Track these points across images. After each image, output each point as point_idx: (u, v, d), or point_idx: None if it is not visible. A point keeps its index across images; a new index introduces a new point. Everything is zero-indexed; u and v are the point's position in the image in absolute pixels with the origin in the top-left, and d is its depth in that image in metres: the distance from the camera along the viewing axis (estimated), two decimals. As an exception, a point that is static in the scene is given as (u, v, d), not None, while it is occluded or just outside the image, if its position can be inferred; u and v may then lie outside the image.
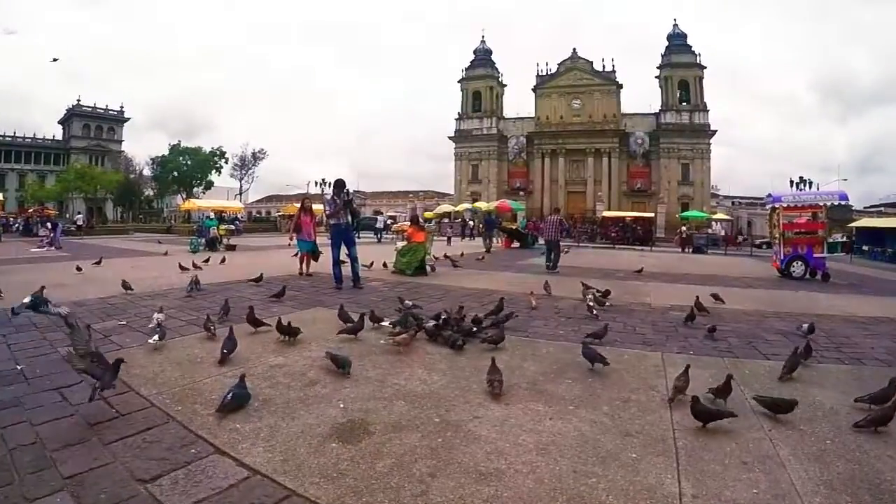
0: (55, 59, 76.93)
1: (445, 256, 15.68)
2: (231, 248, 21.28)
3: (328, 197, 9.83)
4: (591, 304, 7.68)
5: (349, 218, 9.68)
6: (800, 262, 15.11)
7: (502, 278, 11.70)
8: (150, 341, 5.19)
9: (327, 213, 9.77)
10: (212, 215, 28.80)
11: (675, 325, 7.03)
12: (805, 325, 6.67)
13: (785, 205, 15.58)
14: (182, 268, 11.23)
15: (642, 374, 4.73)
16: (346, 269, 9.90)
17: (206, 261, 11.93)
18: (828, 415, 3.86)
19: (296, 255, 11.91)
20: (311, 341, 5.54)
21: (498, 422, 3.53)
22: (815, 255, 15.08)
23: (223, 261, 14.19)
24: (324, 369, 4.56)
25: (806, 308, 9.26)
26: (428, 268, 12.42)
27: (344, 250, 9.74)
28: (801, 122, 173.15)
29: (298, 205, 10.96)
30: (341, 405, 3.76)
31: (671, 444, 3.27)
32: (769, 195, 17.24)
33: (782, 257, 15.33)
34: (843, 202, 16.03)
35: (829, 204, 15.77)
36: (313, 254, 10.93)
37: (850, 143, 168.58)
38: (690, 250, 32.30)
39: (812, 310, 9.12)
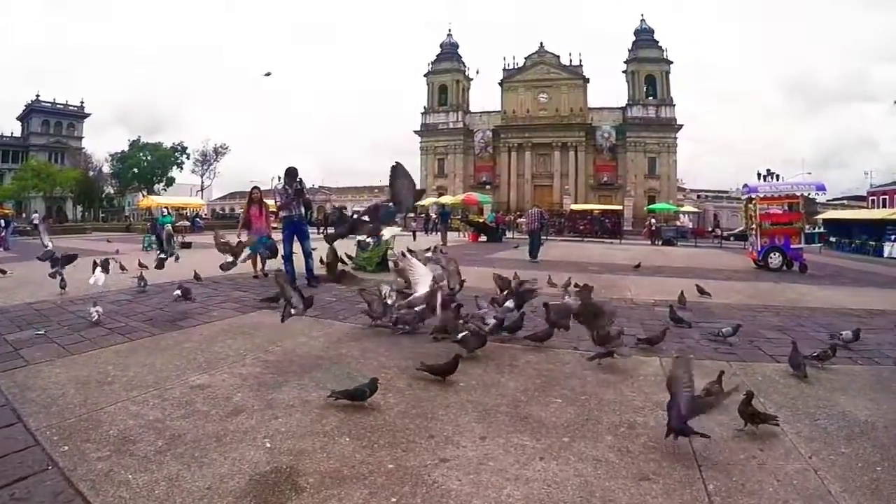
0: (268, 74, 68.15)
1: (409, 251, 14.74)
2: (186, 245, 20.09)
3: (279, 187, 8.88)
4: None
5: (302, 210, 8.75)
6: (777, 254, 14.64)
7: (472, 273, 10.87)
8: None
9: (278, 204, 8.82)
10: (165, 212, 27.45)
11: (666, 322, 6.29)
12: (846, 333, 5.48)
13: (761, 195, 15.08)
14: (122, 268, 10.13)
15: (643, 385, 3.96)
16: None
17: (169, 256, 10.64)
18: (865, 430, 3.27)
19: (249, 256, 10.62)
20: (246, 354, 4.63)
21: (472, 466, 2.67)
22: (791, 246, 14.66)
23: (177, 259, 13.02)
24: (254, 390, 3.68)
25: (795, 301, 8.76)
26: (391, 263, 11.51)
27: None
28: (765, 118, 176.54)
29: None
30: (268, 444, 2.88)
31: (701, 491, 2.47)
32: (745, 185, 16.78)
33: (759, 248, 14.85)
34: (819, 193, 15.68)
35: (806, 194, 15.41)
36: (268, 251, 9.74)
37: (813, 139, 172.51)
38: (660, 243, 31.96)
39: (801, 302, 8.63)
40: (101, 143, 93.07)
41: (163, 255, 8.70)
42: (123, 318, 6.04)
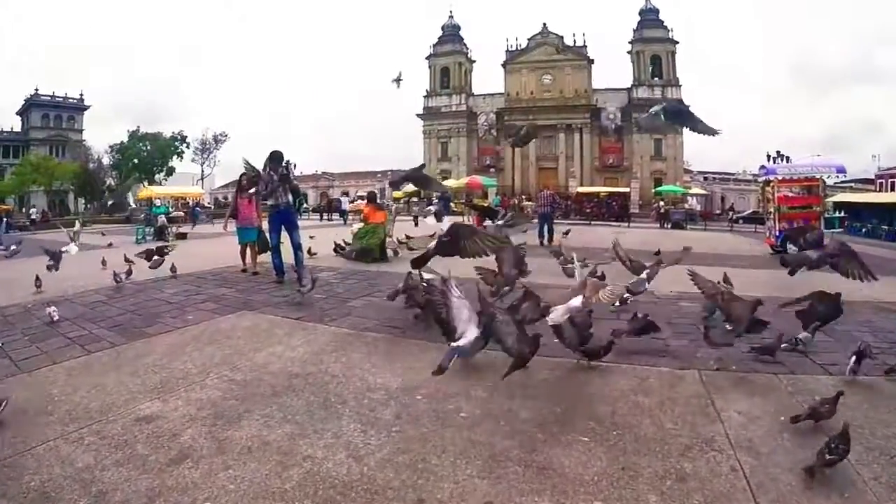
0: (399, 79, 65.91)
1: (407, 237, 13.98)
2: (182, 236, 19.40)
3: (263, 173, 8.14)
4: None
5: (289, 197, 8.02)
6: None
7: (478, 262, 10.18)
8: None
9: (262, 192, 8.10)
10: (159, 202, 26.70)
11: (695, 321, 5.58)
12: (805, 334, 4.66)
13: (780, 177, 14.27)
14: (103, 263, 9.46)
15: (684, 412, 3.24)
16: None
17: (163, 249, 9.83)
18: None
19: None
20: (210, 370, 3.93)
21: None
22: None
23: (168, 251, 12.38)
24: (207, 425, 2.99)
25: None
26: (389, 252, 10.84)
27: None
28: (771, 100, 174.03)
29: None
30: (208, 511, 2.18)
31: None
32: (762, 167, 15.93)
33: (777, 233, 14.06)
34: (840, 175, 14.86)
35: (825, 177, 14.57)
36: (259, 243, 9.02)
37: (819, 121, 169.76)
38: (669, 226, 31.16)
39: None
40: (103, 134, 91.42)
41: (162, 250, 8.22)
42: (88, 325, 5.37)
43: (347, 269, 9.17)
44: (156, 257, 8.35)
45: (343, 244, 11.66)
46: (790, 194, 14.48)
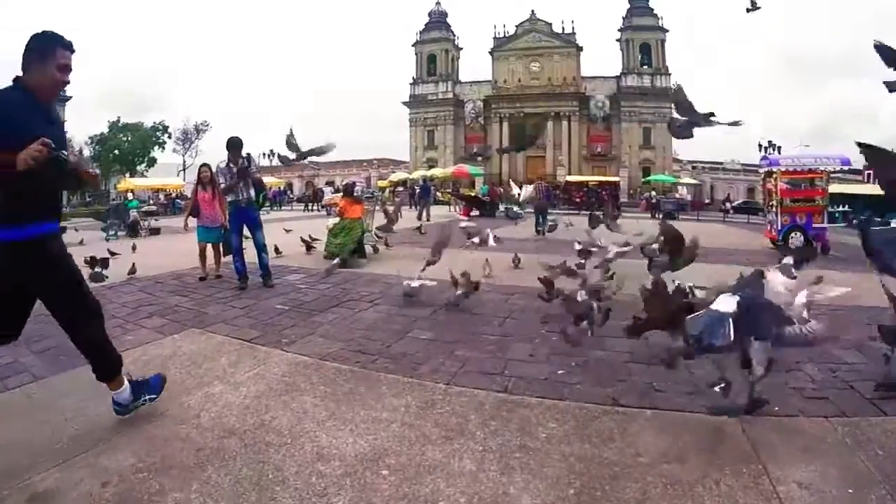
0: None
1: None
2: (155, 231, 18.44)
3: (221, 165, 7.22)
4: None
5: (251, 192, 7.13)
6: (798, 233, 13.22)
7: (467, 258, 9.33)
8: None
9: (222, 186, 7.21)
10: (131, 196, 25.53)
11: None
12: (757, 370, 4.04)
13: (783, 169, 13.54)
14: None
15: (734, 488, 2.43)
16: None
17: (107, 260, 8.95)
18: None
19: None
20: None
21: None
22: (814, 225, 13.24)
23: (134, 248, 11.42)
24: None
25: (851, 298, 7.25)
26: (369, 248, 10.00)
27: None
28: (760, 89, 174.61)
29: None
30: None
31: None
32: (764, 158, 15.29)
33: (779, 227, 13.39)
34: (844, 167, 14.19)
35: (829, 169, 13.89)
36: (224, 243, 8.01)
37: (807, 111, 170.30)
38: (660, 216, 30.47)
39: (849, 298, 7.11)
40: (86, 125, 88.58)
41: (107, 261, 7.32)
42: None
43: (320, 270, 8.29)
44: (97, 269, 7.37)
45: (310, 239, 10.81)
46: (787, 187, 13.85)
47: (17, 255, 2.65)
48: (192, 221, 7.96)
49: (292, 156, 7.42)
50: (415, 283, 6.14)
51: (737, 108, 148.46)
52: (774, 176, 13.66)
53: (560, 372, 3.85)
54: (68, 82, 2.83)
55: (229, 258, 7.51)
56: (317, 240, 10.85)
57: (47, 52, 2.71)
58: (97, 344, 2.98)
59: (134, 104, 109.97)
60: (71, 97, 74.97)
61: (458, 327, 4.96)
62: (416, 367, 3.87)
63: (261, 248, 7.27)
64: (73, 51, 2.81)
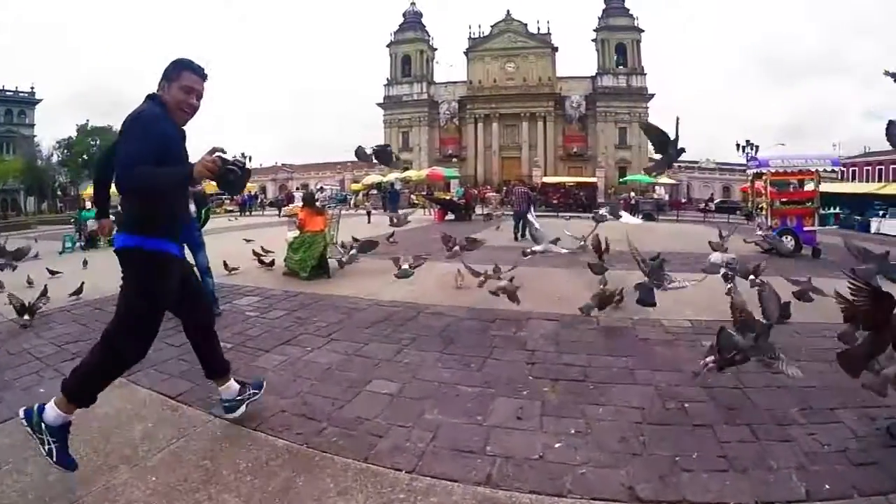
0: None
1: (354, 240, 12.01)
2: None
3: None
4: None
5: (191, 207, 6.18)
6: (789, 237, 12.70)
7: (444, 273, 8.50)
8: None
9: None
10: (88, 205, 24.08)
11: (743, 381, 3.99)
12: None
13: (773, 170, 12.97)
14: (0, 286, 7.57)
15: None
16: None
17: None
18: None
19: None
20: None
21: None
22: (804, 228, 12.75)
23: (85, 264, 10.36)
24: None
25: None
26: (333, 263, 9.08)
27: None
28: (733, 88, 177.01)
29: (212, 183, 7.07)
30: None
31: None
32: (753, 158, 14.75)
33: (770, 230, 12.82)
34: (835, 167, 13.71)
35: (820, 170, 13.40)
36: None
37: (779, 109, 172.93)
38: (640, 217, 29.91)
39: None
40: (58, 129, 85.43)
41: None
42: None
43: (278, 291, 7.36)
44: (24, 318, 6.13)
45: (262, 251, 9.87)
46: (775, 189, 13.33)
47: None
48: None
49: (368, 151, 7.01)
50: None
51: (712, 105, 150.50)
52: (764, 177, 13.08)
53: (557, 445, 2.99)
54: (197, 107, 2.98)
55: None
56: (270, 252, 9.90)
57: (172, 76, 2.88)
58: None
59: (106, 105, 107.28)
60: (41, 100, 73.28)
61: (428, 374, 4.07)
62: (374, 443, 2.99)
63: (204, 271, 6.31)
64: (204, 77, 2.98)
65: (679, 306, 6.43)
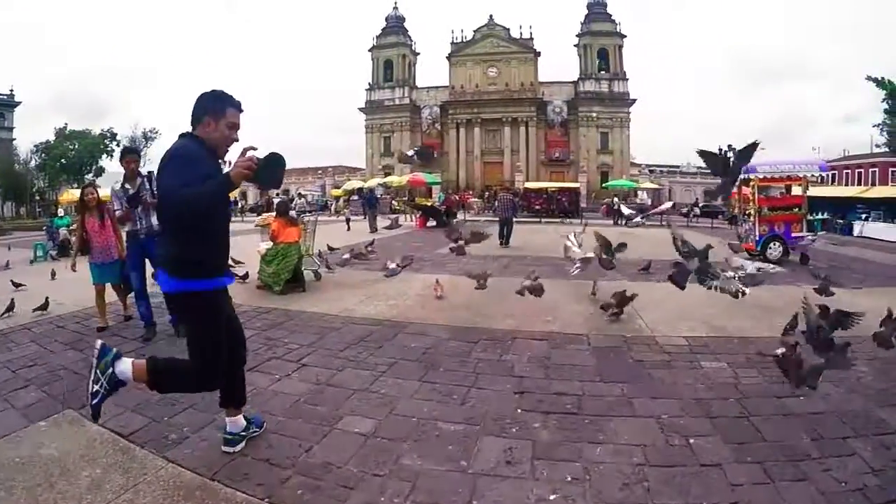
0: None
1: (330, 249, 11.55)
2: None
3: (116, 187, 5.79)
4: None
5: (153, 220, 5.73)
6: (777, 243, 12.63)
7: (426, 285, 8.15)
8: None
9: (116, 214, 5.81)
10: (62, 212, 23.39)
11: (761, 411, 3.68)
12: None
13: (760, 175, 12.78)
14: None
15: None
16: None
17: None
18: None
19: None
20: None
21: None
22: (792, 235, 12.68)
23: (53, 275, 9.82)
24: None
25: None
26: (310, 275, 8.69)
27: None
28: (712, 93, 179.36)
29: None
30: None
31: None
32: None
33: (757, 237, 12.73)
34: (823, 173, 13.60)
35: (808, 175, 13.29)
36: (124, 281, 6.38)
37: (757, 114, 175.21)
38: (624, 223, 29.69)
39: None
40: (38, 133, 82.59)
41: None
42: None
43: (247, 308, 6.88)
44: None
45: (233, 262, 9.41)
46: (763, 196, 13.16)
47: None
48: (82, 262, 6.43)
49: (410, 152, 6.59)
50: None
51: (692, 110, 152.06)
52: (752, 183, 12.89)
53: (553, 497, 2.63)
54: (237, 140, 2.94)
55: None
56: (239, 262, 9.45)
57: (219, 113, 2.84)
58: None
59: (85, 109, 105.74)
60: (20, 102, 71.64)
61: (407, 407, 3.68)
62: (344, 498, 2.61)
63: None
64: (241, 110, 2.95)
65: (673, 321, 6.14)
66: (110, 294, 6.39)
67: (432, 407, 3.68)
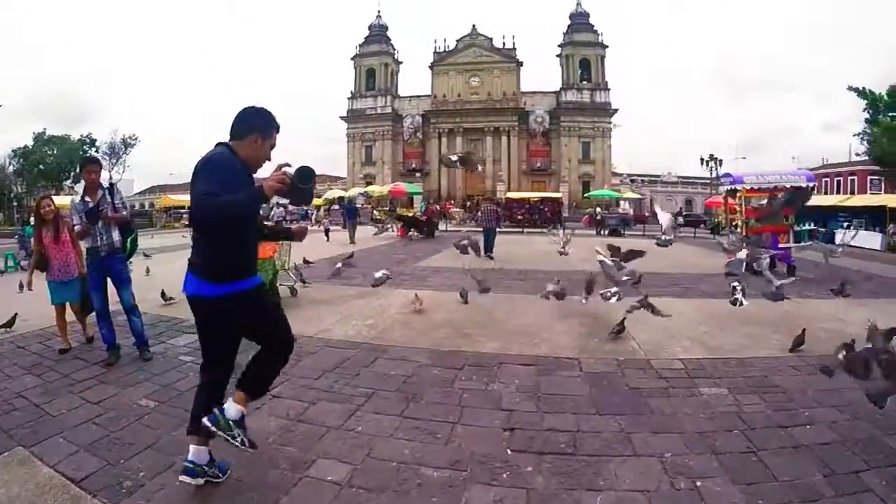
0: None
1: (306, 262, 11.33)
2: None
3: (76, 200, 5.38)
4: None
5: (114, 236, 5.34)
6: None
7: (405, 302, 7.83)
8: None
9: (75, 229, 5.40)
10: (33, 220, 22.50)
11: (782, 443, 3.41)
12: None
13: (748, 187, 12.70)
14: None
15: None
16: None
17: None
18: None
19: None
20: None
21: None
22: (780, 245, 12.48)
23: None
24: None
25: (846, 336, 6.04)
26: (286, 291, 8.35)
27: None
28: (695, 103, 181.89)
29: (176, 196, 6.12)
30: None
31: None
32: (727, 174, 14.44)
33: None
34: (810, 183, 13.50)
35: (795, 186, 13.20)
36: (83, 300, 5.88)
37: (738, 124, 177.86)
38: (606, 233, 29.66)
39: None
40: (17, 138, 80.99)
41: None
42: None
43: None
44: None
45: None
46: (747, 207, 13.07)
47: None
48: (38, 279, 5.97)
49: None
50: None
51: (673, 119, 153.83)
52: (739, 194, 12.78)
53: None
54: (270, 160, 3.03)
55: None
56: None
57: (267, 133, 2.94)
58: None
59: (65, 113, 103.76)
60: (1, 105, 70.35)
61: (386, 448, 3.32)
62: None
63: (130, 310, 5.42)
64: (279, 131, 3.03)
65: (667, 341, 5.87)
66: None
67: (414, 448, 3.33)
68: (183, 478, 2.84)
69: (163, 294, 7.87)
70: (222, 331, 2.97)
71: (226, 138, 2.91)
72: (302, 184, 2.67)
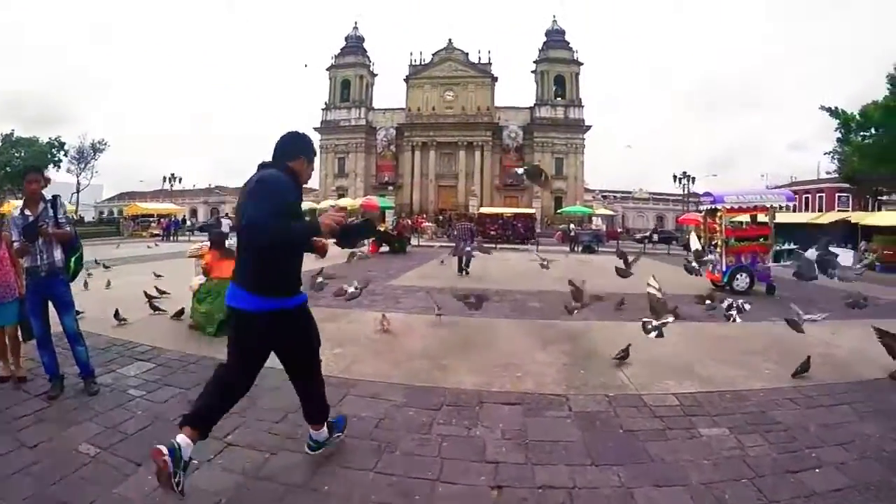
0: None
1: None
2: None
3: (15, 213, 4.86)
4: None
5: (57, 255, 4.79)
6: (744, 274, 12.44)
7: (373, 326, 7.38)
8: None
9: (14, 246, 4.85)
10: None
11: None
12: None
13: (728, 206, 12.57)
14: None
15: None
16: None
17: None
18: None
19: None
20: None
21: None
22: (758, 265, 12.53)
23: None
24: None
25: (833, 363, 5.89)
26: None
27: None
28: (667, 121, 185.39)
29: (145, 204, 5.62)
30: None
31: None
32: (706, 193, 14.27)
33: (724, 268, 12.49)
34: (790, 202, 13.47)
35: (775, 206, 13.16)
36: (22, 326, 5.26)
37: (712, 142, 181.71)
38: (579, 249, 29.47)
39: (845, 368, 5.66)
40: None
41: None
42: None
43: (174, 355, 5.88)
44: None
45: (157, 293, 8.72)
46: (727, 226, 12.93)
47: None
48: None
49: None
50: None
51: (644, 136, 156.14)
52: (719, 214, 12.66)
53: None
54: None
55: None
56: (165, 293, 8.58)
57: (312, 157, 3.27)
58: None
59: (39, 115, 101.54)
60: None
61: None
62: None
63: (73, 338, 4.85)
64: None
65: (657, 371, 5.52)
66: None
67: (386, 517, 2.86)
68: (310, 451, 3.49)
69: (116, 314, 7.26)
70: (260, 346, 3.06)
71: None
72: (361, 236, 2.80)
